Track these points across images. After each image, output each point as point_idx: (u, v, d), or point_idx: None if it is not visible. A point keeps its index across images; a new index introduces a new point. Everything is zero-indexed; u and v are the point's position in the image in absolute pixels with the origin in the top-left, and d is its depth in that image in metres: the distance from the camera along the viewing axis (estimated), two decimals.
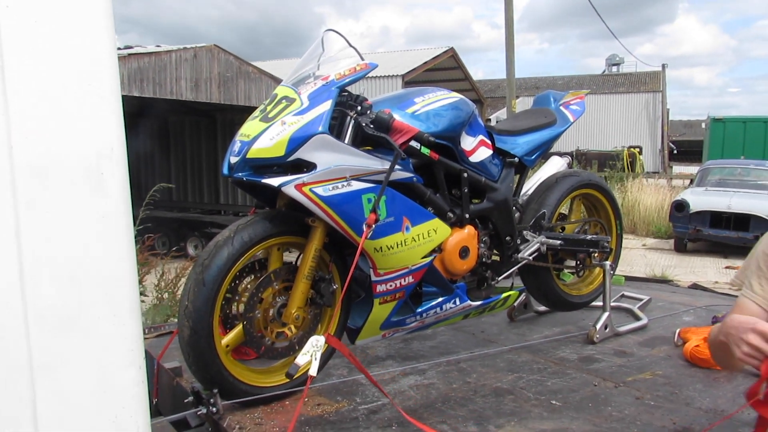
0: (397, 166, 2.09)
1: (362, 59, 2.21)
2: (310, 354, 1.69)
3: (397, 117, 2.15)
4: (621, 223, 3.22)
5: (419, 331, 2.59)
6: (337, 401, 2.16)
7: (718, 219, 9.65)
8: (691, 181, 12.43)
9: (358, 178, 2.05)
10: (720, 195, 10.02)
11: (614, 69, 37.19)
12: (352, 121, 2.11)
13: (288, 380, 2.02)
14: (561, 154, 3.32)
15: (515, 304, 3.16)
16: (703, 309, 3.40)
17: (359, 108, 2.13)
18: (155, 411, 2.19)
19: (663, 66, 31.90)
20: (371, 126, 2.08)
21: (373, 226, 1.98)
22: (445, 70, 24.65)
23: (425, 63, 21.55)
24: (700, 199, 10.00)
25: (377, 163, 2.09)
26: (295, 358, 1.82)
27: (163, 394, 2.37)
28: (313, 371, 1.69)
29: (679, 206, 9.96)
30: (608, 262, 2.89)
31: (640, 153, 22.72)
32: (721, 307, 3.31)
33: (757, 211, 9.27)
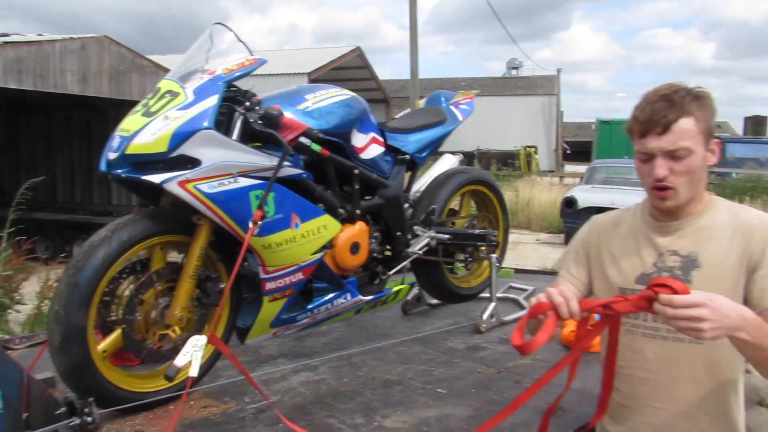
0: (286, 163, 2.09)
1: (251, 54, 2.18)
2: (190, 354, 1.65)
3: (287, 113, 2.14)
4: (507, 218, 3.38)
5: (312, 327, 2.59)
6: (225, 402, 2.13)
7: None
8: (581, 179, 13.24)
9: (245, 175, 2.03)
10: (605, 192, 10.72)
11: (513, 72, 38.82)
12: (241, 117, 2.08)
13: (169, 384, 1.96)
14: (453, 152, 3.44)
15: (408, 297, 3.26)
16: None
17: (248, 104, 2.11)
18: (25, 426, 2.05)
19: (558, 71, 33.66)
20: (259, 122, 2.07)
21: (260, 222, 1.97)
22: (352, 69, 24.76)
23: (331, 62, 21.53)
24: (587, 196, 10.66)
25: (266, 160, 2.08)
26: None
27: (34, 408, 2.22)
28: (193, 372, 1.65)
29: (569, 202, 10.57)
30: (494, 255, 3.03)
31: (536, 152, 23.92)
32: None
33: (634, 203, 10.01)
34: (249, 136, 2.10)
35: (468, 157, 22.09)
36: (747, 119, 39.39)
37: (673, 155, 1.30)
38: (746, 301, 1.31)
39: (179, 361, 1.68)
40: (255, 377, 2.23)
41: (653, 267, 1.41)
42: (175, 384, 1.97)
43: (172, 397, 2.04)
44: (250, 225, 1.94)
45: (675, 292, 1.11)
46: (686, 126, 1.29)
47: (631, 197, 11.46)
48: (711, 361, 1.35)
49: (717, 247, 1.35)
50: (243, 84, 2.19)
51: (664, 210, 1.39)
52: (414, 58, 14.66)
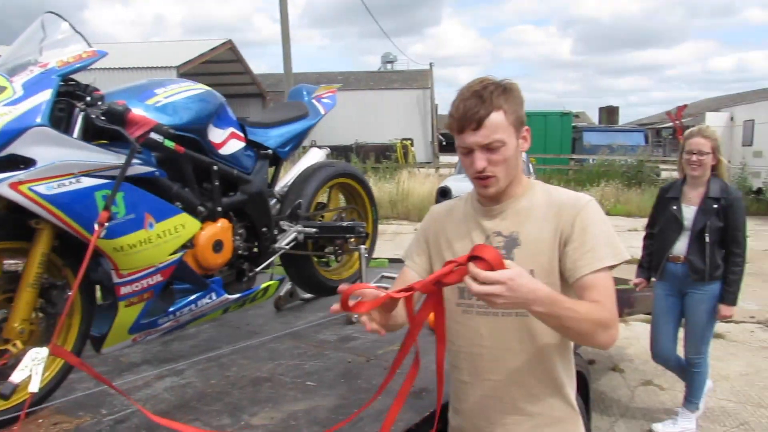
0: (136, 161, 1.99)
1: (90, 46, 2.05)
2: (30, 369, 1.53)
3: (135, 109, 2.04)
4: (376, 210, 3.46)
5: (177, 330, 2.50)
6: (79, 416, 2.00)
7: None
8: (455, 170, 13.80)
9: (89, 174, 1.90)
10: None
11: (389, 66, 39.58)
12: (81, 114, 1.94)
13: (5, 403, 1.79)
14: (320, 146, 3.45)
15: (281, 293, 3.24)
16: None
17: (89, 99, 1.97)
18: None
19: (430, 65, 34.76)
20: (102, 118, 1.95)
21: (106, 224, 1.85)
22: (224, 63, 24.00)
23: (202, 55, 20.74)
24: (459, 185, 11.09)
25: (112, 158, 1.96)
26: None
27: None
28: (33, 387, 1.53)
29: (443, 192, 10.96)
30: (363, 247, 3.08)
31: (412, 145, 24.57)
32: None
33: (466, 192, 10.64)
34: (93, 134, 1.98)
35: (346, 151, 22.28)
36: (601, 109, 43.12)
37: (488, 147, 1.40)
38: (562, 273, 1.44)
39: (16, 377, 1.55)
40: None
41: None
42: (15, 404, 1.81)
43: (17, 416, 1.88)
44: (96, 227, 1.83)
45: (489, 264, 1.19)
46: (497, 120, 1.38)
47: None
48: (536, 331, 1.46)
49: (534, 226, 1.47)
50: (83, 78, 2.05)
51: (488, 196, 1.49)
52: (287, 52, 14.49)
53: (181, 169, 2.28)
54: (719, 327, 5.58)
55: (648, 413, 3.86)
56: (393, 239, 11.22)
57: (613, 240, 1.43)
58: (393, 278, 3.81)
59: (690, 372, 3.53)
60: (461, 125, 1.40)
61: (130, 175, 1.98)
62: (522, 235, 1.47)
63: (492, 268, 1.19)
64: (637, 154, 17.83)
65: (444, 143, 34.58)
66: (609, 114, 41.31)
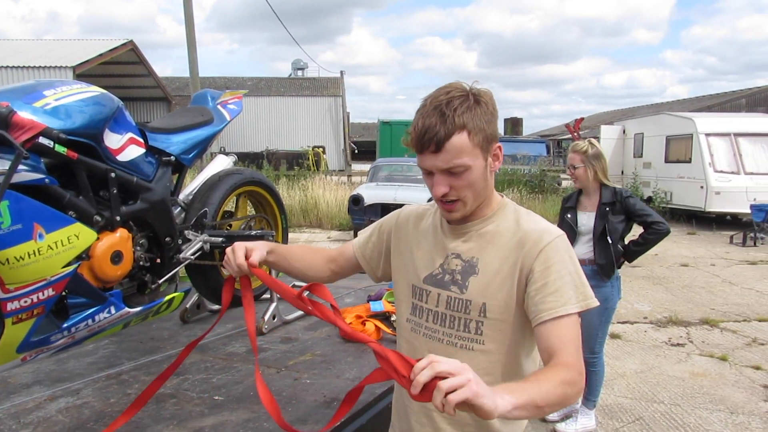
0: (23, 167, 1.85)
1: None
2: None
3: (22, 112, 1.90)
4: (286, 218, 3.41)
5: (73, 347, 2.34)
6: None
7: (387, 209, 10.96)
8: (367, 178, 13.90)
9: None
10: (388, 189, 11.41)
11: (300, 73, 39.40)
12: None
13: None
14: (228, 153, 3.36)
15: (187, 305, 3.12)
16: (362, 290, 3.82)
17: None
18: None
19: (341, 73, 34.92)
20: None
21: None
22: (126, 64, 22.96)
23: (101, 55, 19.72)
24: (372, 193, 11.23)
25: None
26: None
27: None
28: None
29: (355, 200, 11.04)
30: None
31: (324, 152, 24.52)
32: (376, 287, 3.76)
33: (416, 201, 10.83)
34: None
35: (257, 158, 21.88)
36: (506, 120, 44.98)
37: (450, 172, 1.26)
38: (527, 313, 1.30)
39: None
40: (0, 411, 1.96)
41: (439, 269, 1.41)
42: None
43: None
44: None
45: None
46: (459, 142, 1.23)
47: (412, 193, 12.39)
48: (479, 367, 1.26)
49: (495, 254, 1.34)
50: None
51: (450, 221, 1.39)
52: (192, 56, 14.06)
53: (74, 177, 2.14)
54: (616, 328, 5.96)
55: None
56: None
57: (580, 282, 1.29)
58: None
59: (587, 371, 3.74)
60: (420, 146, 1.26)
61: (16, 182, 1.83)
62: (481, 263, 1.35)
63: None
64: (539, 164, 18.72)
65: (356, 151, 34.77)
66: (514, 125, 43.18)
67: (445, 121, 1.22)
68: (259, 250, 1.61)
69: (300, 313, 3.23)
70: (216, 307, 3.27)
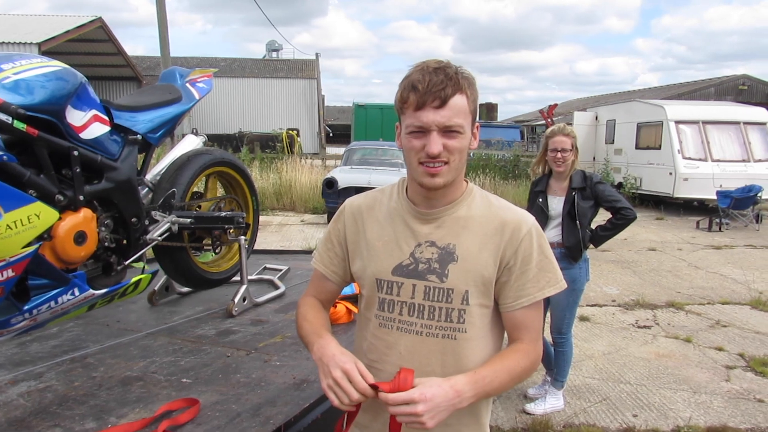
0: None
1: None
2: None
3: None
4: (257, 199, 3.36)
5: (35, 330, 2.29)
6: None
7: (360, 192, 10.95)
8: (341, 161, 13.83)
9: None
10: (362, 172, 11.37)
11: (274, 55, 38.84)
12: None
13: None
14: (197, 133, 3.30)
15: (155, 288, 3.07)
16: None
17: None
18: None
19: (317, 55, 34.55)
20: None
21: None
22: (94, 42, 22.37)
23: (67, 32, 19.19)
24: (346, 176, 11.18)
25: None
26: None
27: None
28: None
29: (329, 183, 10.97)
30: (243, 237, 2.99)
31: (298, 135, 24.29)
32: None
33: (389, 184, 10.82)
34: None
35: (230, 140, 21.58)
36: (481, 105, 45.11)
37: (447, 131, 1.24)
38: (499, 298, 1.35)
39: None
40: None
41: (410, 258, 1.35)
42: None
43: None
44: None
45: (396, 386, 1.15)
46: (461, 103, 1.24)
47: (384, 176, 12.37)
48: (462, 355, 1.33)
49: (473, 240, 1.33)
50: None
51: (433, 187, 1.30)
52: (164, 35, 13.75)
53: (35, 154, 2.07)
54: (585, 311, 6.06)
55: (522, 394, 4.10)
56: (279, 230, 11.05)
57: (552, 267, 1.35)
58: (276, 269, 3.76)
59: (555, 352, 3.79)
60: (422, 101, 1.22)
61: None
62: (459, 249, 1.33)
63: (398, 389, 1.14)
64: (513, 149, 18.84)
65: (331, 134, 34.55)
66: (489, 110, 43.32)
67: (451, 79, 1.23)
68: (350, 356, 1.29)
69: (271, 294, 3.21)
70: (184, 289, 3.23)
